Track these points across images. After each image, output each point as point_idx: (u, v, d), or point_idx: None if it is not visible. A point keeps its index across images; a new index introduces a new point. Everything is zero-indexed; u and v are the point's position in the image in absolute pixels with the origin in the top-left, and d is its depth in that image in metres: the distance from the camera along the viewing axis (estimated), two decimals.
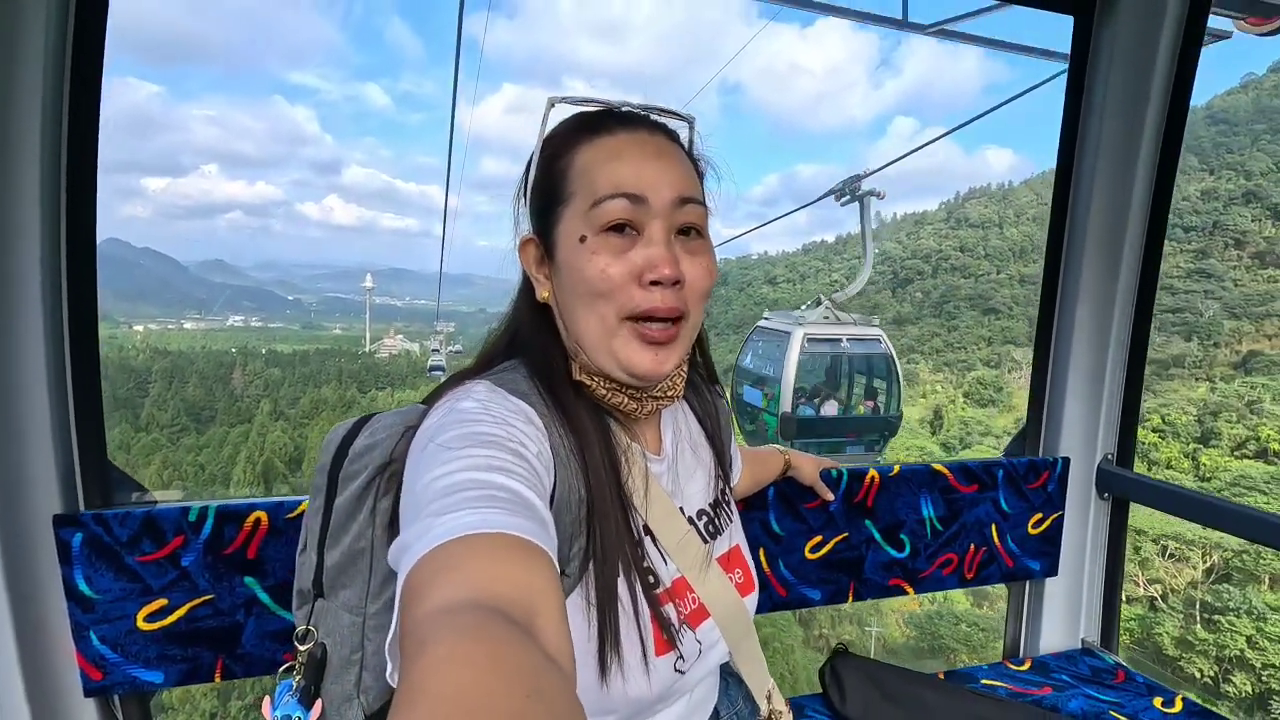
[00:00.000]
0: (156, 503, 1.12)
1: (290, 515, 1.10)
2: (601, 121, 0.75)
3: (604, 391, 0.75)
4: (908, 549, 1.51)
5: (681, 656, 0.74)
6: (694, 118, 0.81)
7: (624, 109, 0.77)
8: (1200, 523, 1.44)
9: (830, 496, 1.41)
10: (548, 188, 0.75)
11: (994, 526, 1.56)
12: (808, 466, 1.37)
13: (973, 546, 1.55)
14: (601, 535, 0.70)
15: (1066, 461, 1.63)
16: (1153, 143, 1.55)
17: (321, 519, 0.78)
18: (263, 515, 1.09)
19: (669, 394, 0.79)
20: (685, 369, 0.82)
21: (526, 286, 0.80)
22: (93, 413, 1.09)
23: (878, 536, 1.48)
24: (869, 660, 1.28)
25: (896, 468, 1.49)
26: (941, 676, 1.43)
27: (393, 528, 0.72)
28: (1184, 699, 1.39)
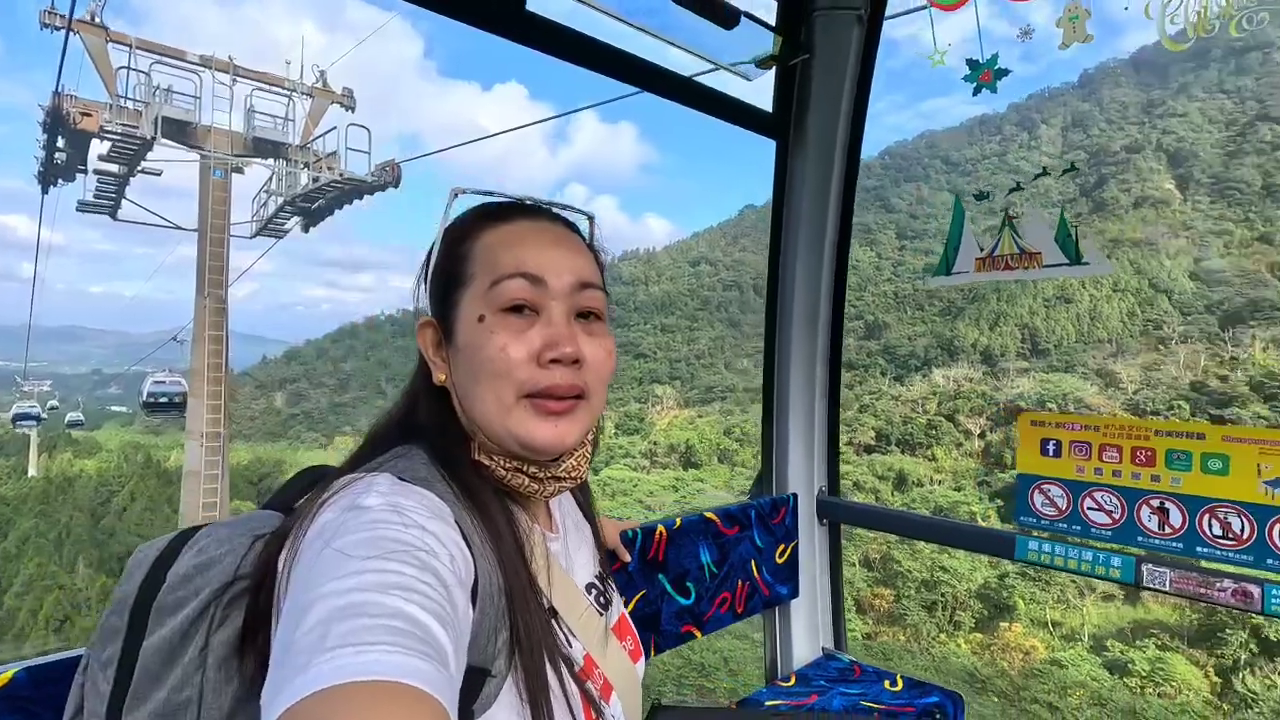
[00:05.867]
0: None
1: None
2: (505, 211, 0.78)
3: (504, 472, 0.74)
4: (693, 595, 1.64)
5: None
6: (594, 214, 0.84)
7: (528, 202, 0.80)
8: (897, 533, 1.87)
9: (628, 558, 1.47)
10: (449, 271, 0.75)
11: (753, 562, 1.80)
12: (609, 529, 1.41)
13: (740, 582, 1.76)
14: (525, 624, 0.67)
15: (795, 497, 1.96)
16: (834, 236, 2.00)
17: (116, 671, 0.61)
18: None
19: (572, 475, 0.77)
20: (589, 453, 0.82)
21: (423, 370, 0.77)
22: None
23: (669, 588, 1.59)
24: (685, 708, 1.36)
25: (679, 520, 1.62)
26: (734, 706, 1.59)
27: (232, 663, 0.60)
28: (902, 677, 1.77)
